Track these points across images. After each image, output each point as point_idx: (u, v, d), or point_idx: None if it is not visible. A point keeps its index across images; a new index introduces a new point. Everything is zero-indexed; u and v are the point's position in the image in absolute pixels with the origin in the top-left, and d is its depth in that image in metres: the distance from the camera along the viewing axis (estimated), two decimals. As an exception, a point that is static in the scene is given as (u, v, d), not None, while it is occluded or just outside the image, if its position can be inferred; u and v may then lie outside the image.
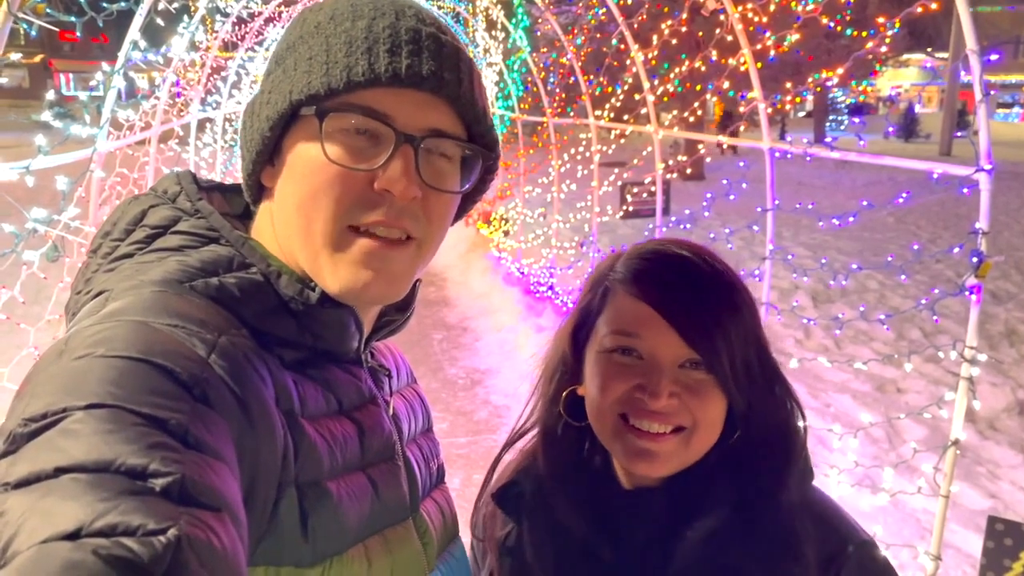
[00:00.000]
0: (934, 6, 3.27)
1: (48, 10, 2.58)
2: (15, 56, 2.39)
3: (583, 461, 1.13)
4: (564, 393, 1.14)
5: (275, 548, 0.75)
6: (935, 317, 3.55)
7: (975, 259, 2.94)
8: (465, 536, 1.15)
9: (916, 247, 4.28)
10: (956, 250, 3.38)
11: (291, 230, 0.87)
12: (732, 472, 1.03)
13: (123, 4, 3.08)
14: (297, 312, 0.85)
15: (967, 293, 3.00)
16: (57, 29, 2.72)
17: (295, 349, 0.86)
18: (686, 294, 1.02)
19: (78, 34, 2.88)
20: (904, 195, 3.86)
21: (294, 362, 0.85)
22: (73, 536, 0.53)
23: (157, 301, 0.75)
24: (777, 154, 4.41)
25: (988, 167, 2.89)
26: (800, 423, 1.07)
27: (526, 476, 1.17)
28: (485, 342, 7.31)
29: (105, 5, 2.93)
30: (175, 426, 0.63)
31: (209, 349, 0.72)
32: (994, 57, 2.93)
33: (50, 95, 3.04)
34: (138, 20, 3.88)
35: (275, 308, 0.84)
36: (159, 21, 3.98)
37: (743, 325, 1.03)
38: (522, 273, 8.97)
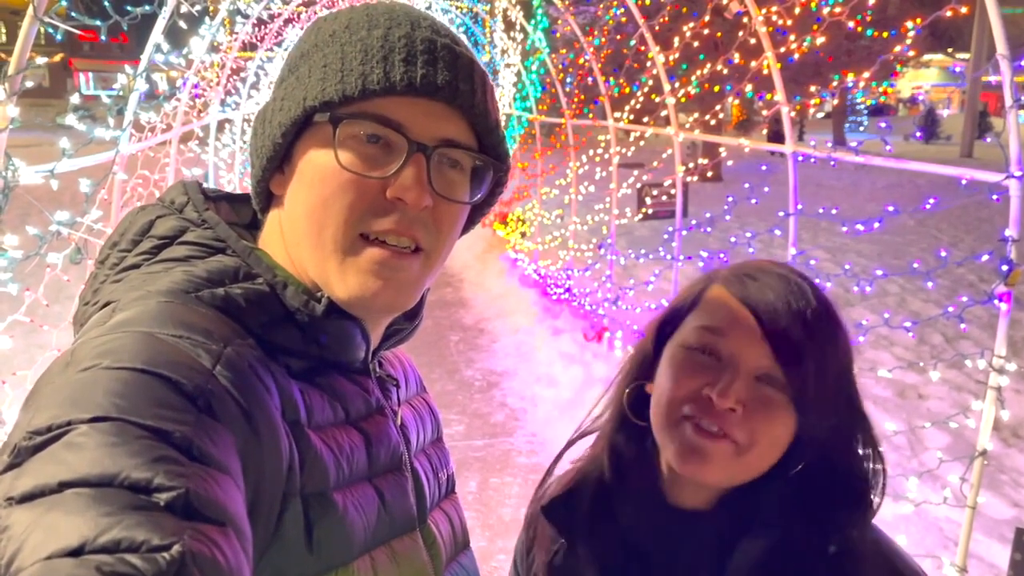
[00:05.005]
0: (963, 9, 3.23)
1: (73, 13, 2.58)
2: (41, 59, 2.40)
3: (641, 466, 1.11)
4: (630, 387, 1.13)
5: (280, 560, 0.75)
6: (963, 326, 3.49)
7: (1005, 267, 2.89)
8: (475, 543, 1.13)
9: (944, 253, 4.21)
10: (985, 257, 3.33)
11: (300, 237, 0.86)
12: (789, 503, 1.00)
13: (147, 8, 3.09)
14: (303, 323, 0.85)
15: (996, 300, 2.96)
16: (79, 31, 2.73)
17: (301, 359, 0.86)
18: (787, 308, 1.00)
19: (102, 37, 2.89)
20: (932, 201, 3.81)
21: (301, 371, 0.85)
22: (76, 552, 0.53)
23: (163, 312, 0.75)
24: (800, 158, 4.37)
25: (1019, 173, 2.85)
26: (878, 477, 1.04)
27: (584, 483, 1.15)
28: (502, 344, 7.30)
29: (129, 8, 2.94)
30: (180, 439, 0.63)
31: (214, 360, 0.71)
32: (1025, 62, 2.89)
33: (74, 98, 3.06)
34: (160, 23, 3.89)
35: (281, 319, 0.84)
36: (181, 23, 4.00)
37: (837, 359, 1.01)
38: (539, 275, 8.95)
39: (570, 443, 1.23)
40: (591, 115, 8.73)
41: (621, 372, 1.17)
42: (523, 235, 10.46)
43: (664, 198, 7.06)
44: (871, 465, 1.03)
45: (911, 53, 19.16)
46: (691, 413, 1.00)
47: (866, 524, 1.01)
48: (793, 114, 4.56)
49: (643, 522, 1.08)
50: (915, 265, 5.09)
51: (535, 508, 1.22)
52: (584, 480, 1.16)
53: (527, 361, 6.72)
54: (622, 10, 6.97)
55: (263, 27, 9.93)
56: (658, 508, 1.08)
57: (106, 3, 2.82)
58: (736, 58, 5.30)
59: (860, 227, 4.24)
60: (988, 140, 18.70)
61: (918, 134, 30.70)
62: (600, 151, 8.01)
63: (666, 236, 6.84)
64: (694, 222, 6.49)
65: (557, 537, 1.15)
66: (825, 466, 1.00)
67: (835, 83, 4.83)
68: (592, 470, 1.16)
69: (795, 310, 0.99)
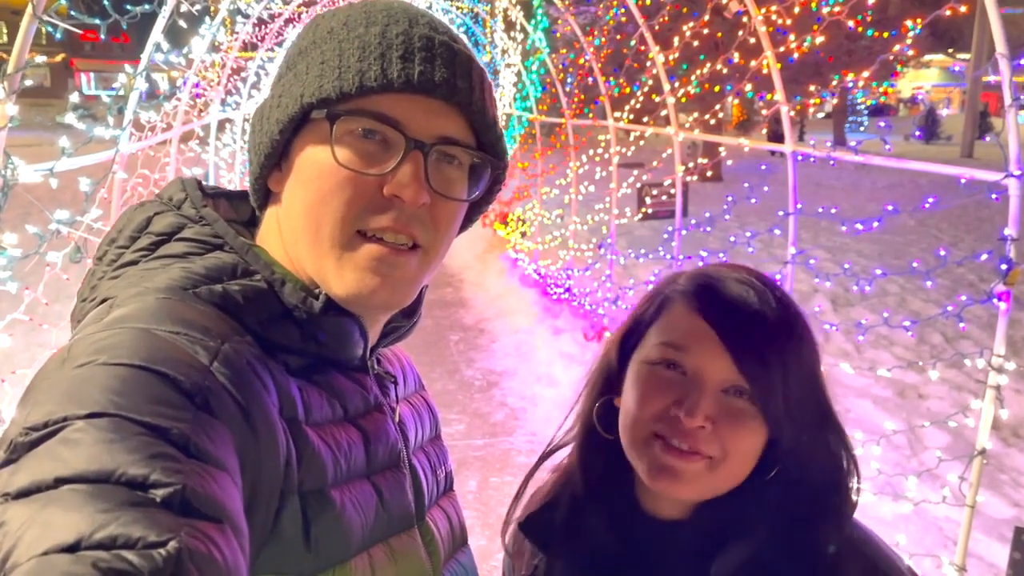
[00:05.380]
0: (963, 9, 3.24)
1: (72, 12, 2.59)
2: (40, 58, 2.40)
3: (614, 479, 1.09)
4: (599, 402, 1.11)
5: (277, 557, 0.75)
6: (962, 325, 3.49)
7: (1004, 266, 2.89)
8: (475, 542, 1.12)
9: (943, 253, 4.22)
10: (984, 256, 3.33)
11: (298, 234, 0.86)
12: (767, 510, 0.98)
13: (147, 7, 3.09)
14: (301, 320, 0.84)
15: (995, 300, 2.96)
16: (80, 30, 2.73)
17: (300, 356, 0.85)
18: (747, 317, 0.98)
19: (102, 36, 2.90)
20: (931, 200, 3.81)
21: (299, 369, 0.85)
22: (73, 548, 0.53)
23: (161, 308, 0.74)
24: (800, 157, 4.37)
25: (1018, 172, 2.85)
26: (852, 476, 1.02)
27: (559, 497, 1.13)
28: (502, 344, 7.30)
29: (129, 8, 2.95)
30: (177, 435, 0.63)
31: (212, 357, 0.71)
32: (1024, 61, 2.89)
33: (73, 97, 3.06)
34: (160, 23, 3.90)
35: (279, 316, 0.84)
36: (181, 23, 4.00)
37: (802, 362, 0.99)
38: (539, 275, 8.95)
39: (542, 459, 1.21)
40: (591, 115, 8.73)
41: (587, 385, 1.15)
42: (523, 235, 10.46)
43: (664, 198, 7.05)
44: (845, 466, 1.02)
45: (911, 53, 19.15)
46: (660, 432, 0.98)
47: (844, 526, 0.99)
48: (792, 114, 4.56)
49: (621, 534, 1.06)
50: (914, 264, 5.09)
51: (512, 526, 1.20)
52: (560, 494, 1.14)
53: (527, 361, 6.72)
54: (622, 10, 6.97)
55: (264, 27, 9.93)
56: (635, 519, 1.07)
57: (106, 2, 2.82)
58: (736, 58, 5.31)
59: (859, 226, 4.24)
60: (987, 140, 18.65)
61: (917, 134, 30.66)
62: (600, 151, 8.01)
63: (666, 236, 6.84)
64: (694, 222, 6.49)
65: (537, 552, 1.14)
66: (800, 471, 0.98)
67: (835, 83, 4.83)
68: (567, 484, 1.14)
69: (755, 320, 0.98)
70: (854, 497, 1.01)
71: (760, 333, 0.97)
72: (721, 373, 0.97)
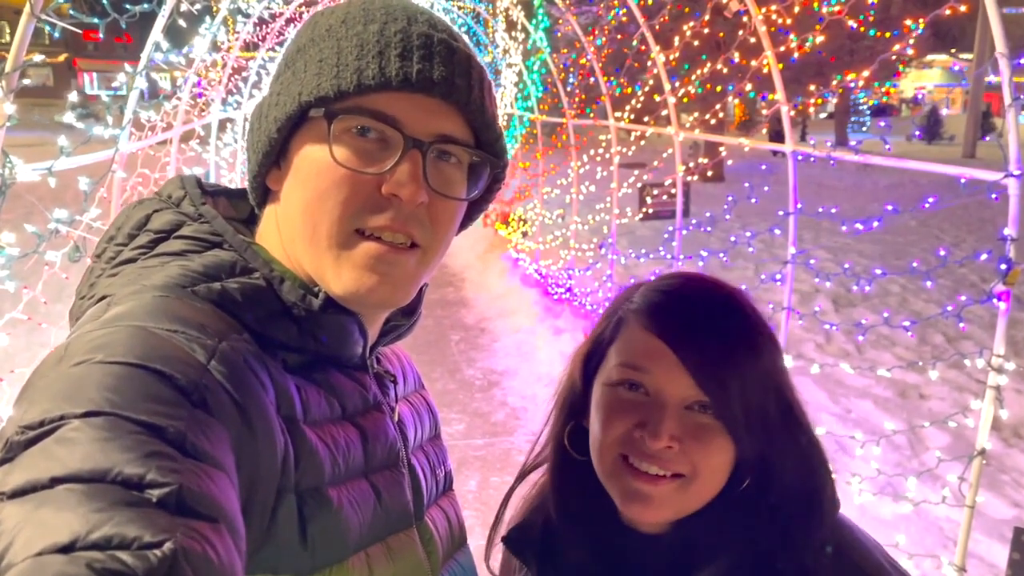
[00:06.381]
0: (963, 8, 3.23)
1: (72, 11, 2.59)
2: (39, 57, 2.41)
3: (591, 497, 1.07)
4: (568, 426, 1.09)
5: (273, 556, 0.74)
6: (961, 325, 3.49)
7: (1003, 266, 2.89)
8: (475, 542, 1.12)
9: (943, 253, 4.22)
10: (984, 256, 3.32)
11: (296, 233, 0.86)
12: (745, 521, 0.96)
13: (146, 6, 3.10)
14: (299, 318, 0.84)
15: (995, 300, 2.95)
16: (80, 30, 2.73)
17: (298, 354, 0.85)
18: (701, 332, 0.97)
19: (101, 35, 2.90)
20: (931, 200, 3.81)
21: (298, 367, 0.84)
22: (67, 549, 0.52)
23: (158, 306, 0.74)
24: (800, 157, 4.37)
25: (1017, 172, 2.84)
26: (828, 482, 0.99)
27: (539, 514, 1.13)
28: (503, 343, 7.30)
29: (128, 7, 2.95)
30: (173, 434, 0.62)
31: (209, 355, 0.71)
32: (1024, 60, 2.88)
33: (72, 96, 3.06)
34: (160, 22, 3.90)
35: (277, 313, 0.83)
36: (181, 22, 4.00)
37: (761, 371, 0.97)
38: (540, 275, 8.95)
39: (518, 479, 1.21)
40: (592, 115, 8.72)
41: (556, 407, 1.13)
42: (524, 235, 10.46)
43: (665, 198, 7.05)
44: (820, 472, 0.99)
45: (912, 53, 19.15)
46: (627, 454, 0.97)
47: (823, 532, 0.97)
48: (793, 114, 4.56)
49: (601, 548, 1.05)
50: (915, 265, 5.09)
51: (496, 546, 1.19)
52: (537, 512, 1.13)
53: (528, 360, 6.71)
54: (623, 10, 6.97)
55: (265, 26, 9.93)
56: (615, 533, 1.06)
57: (105, 1, 2.83)
58: (737, 57, 5.30)
59: (860, 226, 4.24)
60: (987, 139, 18.62)
61: (917, 133, 30.61)
62: (601, 151, 8.01)
63: (667, 236, 6.83)
64: (695, 222, 6.49)
65: (520, 565, 1.13)
66: (774, 481, 0.97)
67: (836, 83, 4.82)
68: (544, 500, 1.13)
69: (709, 333, 0.97)
70: (835, 500, 1.00)
71: (715, 346, 0.96)
72: (682, 391, 0.96)
